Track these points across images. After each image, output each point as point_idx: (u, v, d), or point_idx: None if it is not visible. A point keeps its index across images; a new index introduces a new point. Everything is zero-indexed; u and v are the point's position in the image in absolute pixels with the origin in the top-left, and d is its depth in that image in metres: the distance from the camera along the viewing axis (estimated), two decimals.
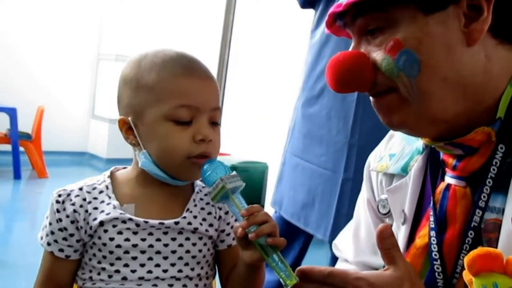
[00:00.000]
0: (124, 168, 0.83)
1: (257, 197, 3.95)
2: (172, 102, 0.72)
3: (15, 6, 5.26)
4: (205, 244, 0.78)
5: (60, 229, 0.74)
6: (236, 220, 0.77)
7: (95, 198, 0.75)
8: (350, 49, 0.68)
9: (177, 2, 5.59)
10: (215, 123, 0.76)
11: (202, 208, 0.80)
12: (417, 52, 0.60)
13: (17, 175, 4.38)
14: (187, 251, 0.75)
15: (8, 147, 4.44)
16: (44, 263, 0.77)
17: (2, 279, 2.29)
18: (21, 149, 4.45)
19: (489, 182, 0.63)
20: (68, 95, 5.81)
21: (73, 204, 0.74)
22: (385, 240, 0.60)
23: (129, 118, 0.75)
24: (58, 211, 0.74)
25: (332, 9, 0.67)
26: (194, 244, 0.76)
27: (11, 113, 4.35)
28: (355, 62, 0.64)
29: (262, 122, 4.25)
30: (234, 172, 0.72)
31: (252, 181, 3.92)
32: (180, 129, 0.72)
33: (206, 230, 0.78)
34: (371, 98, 0.68)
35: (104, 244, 0.73)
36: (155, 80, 0.73)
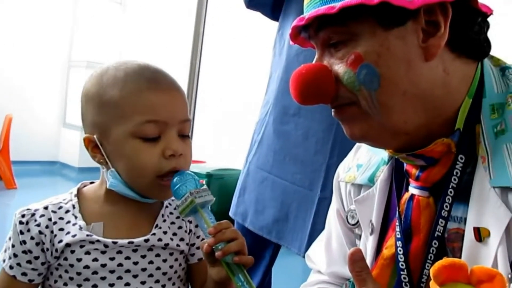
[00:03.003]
0: (92, 183, 0.81)
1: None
2: (137, 119, 0.70)
3: None
4: (176, 260, 0.77)
5: (24, 252, 0.71)
6: (202, 239, 0.77)
7: (61, 218, 0.73)
8: (314, 61, 0.69)
9: (149, 9, 5.55)
10: (185, 136, 0.75)
11: (172, 223, 0.79)
12: (377, 66, 0.61)
13: None
14: (158, 268, 0.74)
15: None
16: (1, 285, 0.73)
17: None
18: None
19: (450, 192, 0.65)
20: (38, 103, 5.67)
21: (38, 225, 0.71)
22: (356, 263, 0.61)
23: (95, 136, 0.73)
24: (21, 232, 0.71)
25: (295, 23, 0.67)
26: (164, 261, 0.75)
27: None
28: (317, 75, 0.65)
29: (237, 130, 4.25)
30: (205, 186, 0.71)
31: (227, 188, 3.88)
32: (148, 145, 0.70)
33: (177, 245, 0.77)
34: (332, 110, 0.69)
35: (71, 265, 0.71)
36: (118, 96, 0.71)
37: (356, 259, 0.61)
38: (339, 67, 0.64)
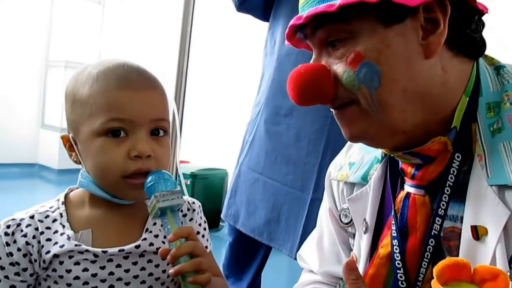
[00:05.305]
0: (78, 188, 0.78)
1: (217, 203, 3.91)
2: (102, 117, 0.68)
3: None
4: (168, 264, 0.73)
5: (11, 264, 0.68)
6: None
7: (48, 228, 0.70)
8: (311, 61, 0.68)
9: (130, 9, 5.46)
10: (159, 135, 0.72)
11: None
12: (378, 64, 0.61)
13: None
14: (150, 274, 0.72)
15: None
16: None
17: None
18: None
19: (447, 191, 0.65)
20: (16, 104, 5.52)
21: (24, 236, 0.68)
22: (352, 272, 0.61)
23: (70, 135, 0.72)
24: (7, 244, 0.68)
25: (292, 22, 0.66)
26: (157, 266, 0.73)
27: None
28: (316, 75, 0.64)
29: (221, 129, 4.22)
30: (177, 188, 0.68)
31: (212, 188, 3.87)
32: (114, 145, 0.68)
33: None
34: (333, 110, 0.69)
35: (61, 277, 0.68)
36: (87, 94, 0.70)
37: (351, 268, 0.61)
38: (338, 67, 0.63)
